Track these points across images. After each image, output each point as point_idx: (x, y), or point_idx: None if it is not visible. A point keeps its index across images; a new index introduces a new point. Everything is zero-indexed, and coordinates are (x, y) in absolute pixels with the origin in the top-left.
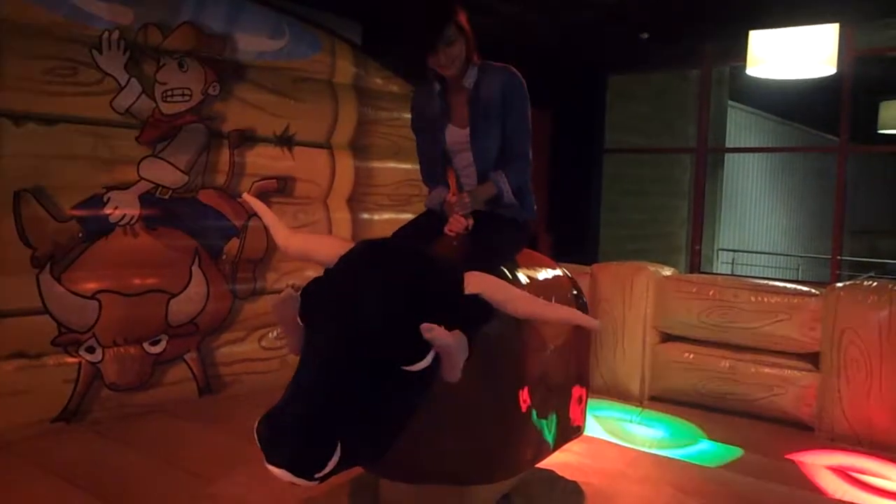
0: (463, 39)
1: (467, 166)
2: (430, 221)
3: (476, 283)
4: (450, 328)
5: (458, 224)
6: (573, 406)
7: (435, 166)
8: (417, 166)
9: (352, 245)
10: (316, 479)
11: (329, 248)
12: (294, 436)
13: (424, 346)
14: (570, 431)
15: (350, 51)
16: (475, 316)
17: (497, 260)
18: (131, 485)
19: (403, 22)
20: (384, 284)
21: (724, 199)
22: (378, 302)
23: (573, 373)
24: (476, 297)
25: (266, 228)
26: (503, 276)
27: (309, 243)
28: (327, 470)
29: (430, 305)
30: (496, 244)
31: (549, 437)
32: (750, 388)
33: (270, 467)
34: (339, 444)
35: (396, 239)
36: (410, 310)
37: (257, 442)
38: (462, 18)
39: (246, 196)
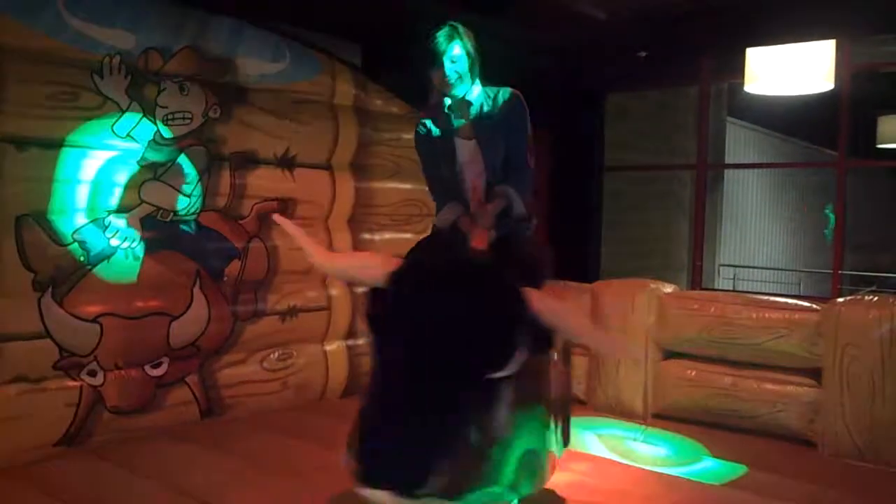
0: (468, 57)
1: (478, 176)
2: (445, 239)
3: (537, 301)
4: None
5: (482, 238)
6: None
7: (446, 183)
8: (417, 186)
9: (394, 262)
10: (419, 498)
11: (374, 267)
12: (408, 456)
13: (509, 352)
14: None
15: (350, 73)
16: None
17: (545, 274)
18: None
19: (411, 42)
20: (478, 300)
21: (724, 214)
22: (475, 316)
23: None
24: (536, 318)
25: (301, 249)
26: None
27: (353, 261)
28: (429, 489)
29: (511, 316)
30: (534, 259)
31: (559, 452)
32: (753, 404)
33: (365, 490)
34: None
35: (457, 257)
36: (498, 322)
37: (356, 464)
38: (467, 38)
39: (278, 217)
